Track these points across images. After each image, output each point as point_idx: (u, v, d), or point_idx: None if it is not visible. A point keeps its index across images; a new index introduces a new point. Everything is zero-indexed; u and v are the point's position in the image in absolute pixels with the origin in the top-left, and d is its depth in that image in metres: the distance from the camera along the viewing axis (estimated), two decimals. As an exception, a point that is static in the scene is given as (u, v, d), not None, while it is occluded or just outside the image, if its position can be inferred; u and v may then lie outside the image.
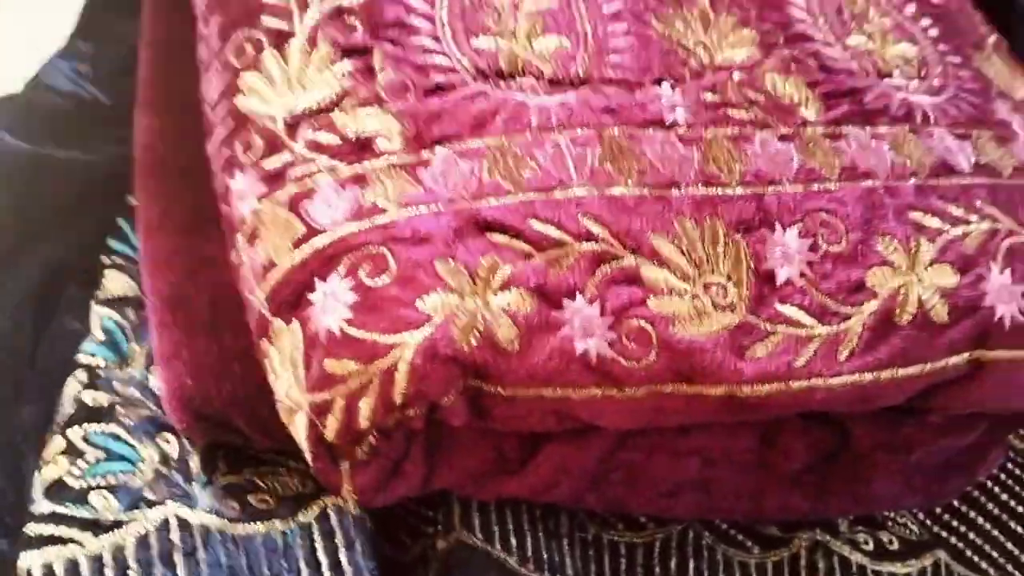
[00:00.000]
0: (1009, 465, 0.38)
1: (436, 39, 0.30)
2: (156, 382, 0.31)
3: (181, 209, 0.33)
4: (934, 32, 0.37)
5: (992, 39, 0.39)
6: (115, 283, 0.34)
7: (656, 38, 0.31)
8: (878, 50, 0.34)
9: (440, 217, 0.26)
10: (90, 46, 0.42)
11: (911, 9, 0.37)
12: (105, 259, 0.35)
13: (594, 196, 0.27)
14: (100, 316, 0.34)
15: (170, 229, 0.33)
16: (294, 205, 0.27)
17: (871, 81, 0.33)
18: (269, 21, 0.30)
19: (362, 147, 0.27)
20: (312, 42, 0.30)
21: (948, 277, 0.28)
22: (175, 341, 0.30)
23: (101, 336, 0.33)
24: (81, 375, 0.32)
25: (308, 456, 0.26)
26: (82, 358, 0.33)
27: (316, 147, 0.28)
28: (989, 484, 0.38)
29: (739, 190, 0.28)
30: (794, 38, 0.33)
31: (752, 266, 0.27)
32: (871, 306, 0.27)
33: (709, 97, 0.30)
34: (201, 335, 0.30)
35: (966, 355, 0.28)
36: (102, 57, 0.42)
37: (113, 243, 0.36)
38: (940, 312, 0.28)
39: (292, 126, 0.28)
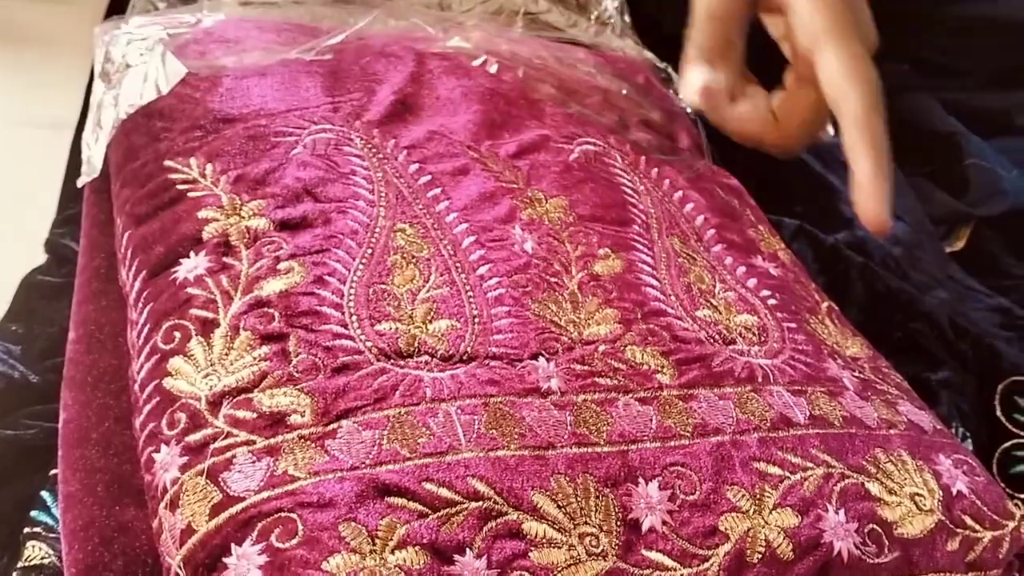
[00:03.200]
0: None
1: (344, 326, 0.36)
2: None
3: (101, 480, 0.37)
4: (773, 302, 0.45)
5: (825, 305, 0.48)
6: (34, 552, 0.37)
7: (533, 318, 0.38)
8: (723, 320, 0.42)
9: (344, 483, 0.30)
10: (21, 327, 0.47)
11: (752, 282, 0.46)
12: (27, 530, 0.38)
13: (480, 458, 0.32)
14: None
15: (89, 501, 0.36)
16: (213, 476, 0.31)
17: (717, 348, 0.40)
18: (197, 312, 0.36)
19: (276, 422, 0.32)
20: (235, 330, 0.35)
21: (790, 519, 0.34)
22: None
23: None
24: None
25: None
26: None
27: (235, 422, 0.32)
28: None
29: (606, 448, 0.34)
30: (650, 314, 0.41)
31: (620, 517, 0.32)
32: (725, 548, 0.33)
33: (579, 368, 0.37)
34: None
35: (813, 588, 0.33)
36: (32, 338, 0.46)
37: (35, 514, 0.39)
38: (785, 550, 0.33)
39: (214, 404, 0.33)
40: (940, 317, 0.48)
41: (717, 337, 0.41)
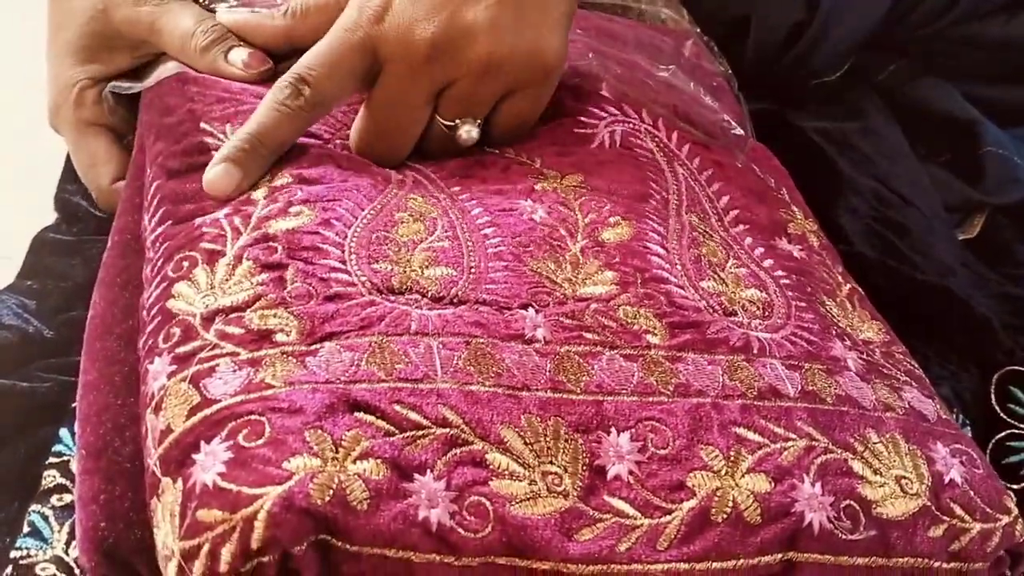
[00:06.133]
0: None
1: (342, 261, 0.38)
2: (72, 555, 0.38)
3: (119, 371, 0.40)
4: (786, 282, 0.46)
5: (847, 288, 0.48)
6: (50, 479, 0.40)
7: (529, 273, 0.40)
8: (728, 293, 0.43)
9: (316, 394, 0.32)
10: (35, 283, 0.51)
11: (768, 263, 0.47)
12: (46, 462, 0.41)
13: (454, 389, 0.34)
14: (31, 512, 0.40)
15: (105, 390, 0.39)
16: (195, 380, 0.33)
17: (716, 318, 0.41)
18: (206, 245, 0.39)
19: (262, 338, 0.35)
20: (238, 259, 0.38)
21: (762, 484, 0.35)
22: (95, 487, 0.36)
23: (27, 529, 0.39)
24: (8, 571, 0.38)
25: None
26: (11, 554, 0.38)
27: (223, 336, 0.35)
28: None
29: (582, 396, 0.35)
30: (650, 279, 0.42)
31: (587, 462, 0.34)
32: (690, 504, 0.33)
33: (567, 321, 0.38)
34: (120, 482, 0.36)
35: (778, 555, 0.34)
36: (47, 294, 0.50)
37: (55, 448, 0.42)
38: (753, 514, 0.34)
39: (207, 319, 0.36)
40: (949, 303, 0.48)
41: (717, 308, 0.42)
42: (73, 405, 0.41)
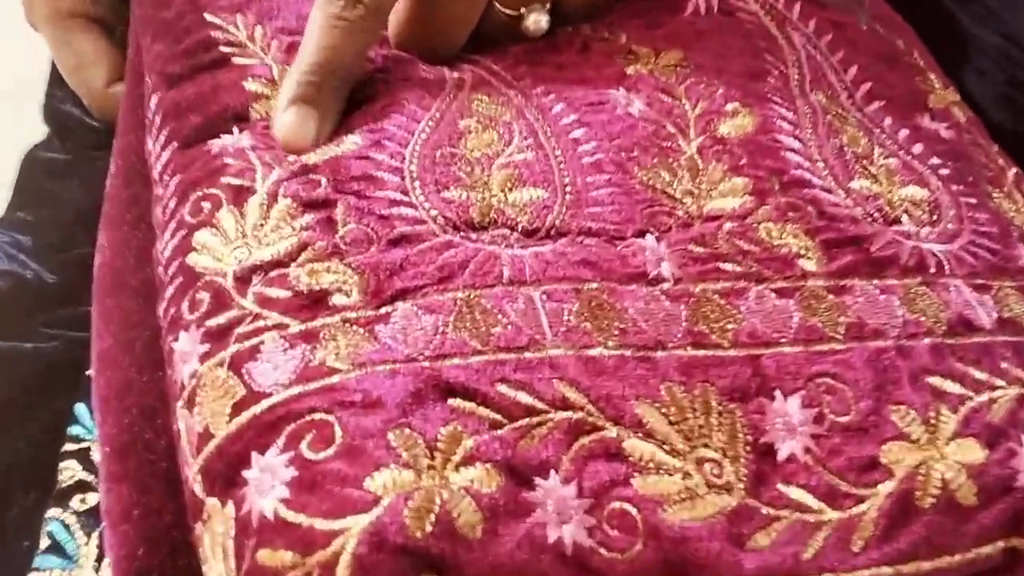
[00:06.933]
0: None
1: (404, 192, 0.30)
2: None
3: (140, 336, 0.32)
4: (945, 172, 0.37)
5: (1012, 173, 0.39)
6: (68, 474, 0.33)
7: (639, 188, 0.32)
8: (884, 194, 0.34)
9: (396, 378, 0.25)
10: (29, 215, 0.42)
11: (918, 148, 0.38)
12: (63, 449, 0.34)
13: (570, 357, 0.26)
14: (49, 519, 0.33)
15: (125, 363, 0.31)
16: (236, 365, 0.26)
17: (878, 228, 0.32)
18: (230, 180, 0.30)
19: (316, 302, 0.27)
20: (273, 197, 0.30)
21: (974, 452, 0.27)
22: (125, 499, 0.28)
23: (47, 542, 0.32)
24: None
25: None
26: None
27: (265, 302, 0.27)
28: None
29: (732, 352, 0.27)
30: (790, 183, 0.33)
31: (750, 440, 0.26)
32: (887, 487, 0.26)
33: (697, 250, 0.30)
34: (157, 491, 0.28)
35: (1000, 544, 0.26)
36: (44, 227, 0.42)
37: (72, 430, 0.35)
38: (967, 493, 0.26)
39: (242, 280, 0.28)
40: None
41: (877, 214, 0.33)
42: (88, 372, 0.34)
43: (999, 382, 0.29)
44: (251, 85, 0.34)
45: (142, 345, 0.31)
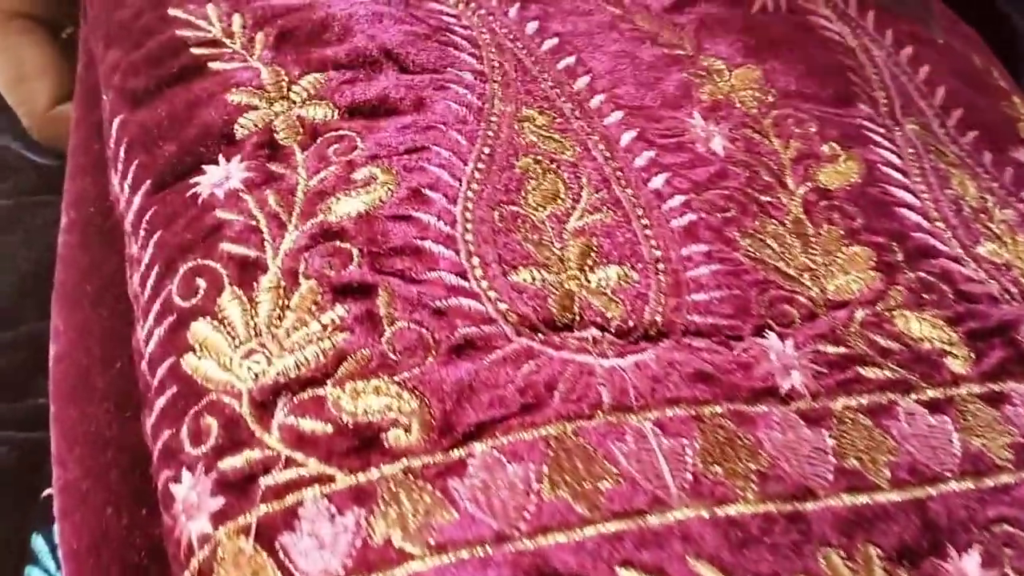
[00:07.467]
0: None
1: (462, 274, 0.24)
2: None
3: (115, 462, 0.25)
4: None
5: None
6: None
7: (747, 263, 0.26)
8: (1015, 259, 0.29)
9: (488, 569, 0.19)
10: None
11: (1009, 175, 0.33)
12: None
13: (704, 522, 0.20)
14: None
15: (98, 502, 0.24)
16: (267, 538, 0.20)
17: (1017, 307, 0.27)
18: (231, 248, 0.24)
19: (367, 442, 0.21)
20: (292, 277, 0.23)
21: None
22: None
23: None
24: None
25: None
26: None
27: (299, 441, 0.21)
28: None
29: (894, 495, 0.22)
30: (916, 252, 0.28)
31: (924, 616, 0.21)
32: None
33: (830, 350, 0.24)
34: None
35: None
36: None
37: (30, 573, 0.28)
38: None
39: (263, 405, 0.21)
40: None
41: (1013, 288, 0.28)
42: (47, 492, 0.27)
43: None
44: (236, 96, 0.27)
45: (119, 474, 0.25)
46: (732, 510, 0.21)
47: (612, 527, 0.20)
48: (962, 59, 0.39)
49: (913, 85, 0.36)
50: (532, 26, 0.33)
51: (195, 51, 0.29)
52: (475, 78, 0.29)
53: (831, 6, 0.38)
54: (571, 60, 0.31)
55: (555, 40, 0.32)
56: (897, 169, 0.30)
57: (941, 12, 0.42)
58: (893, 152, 0.31)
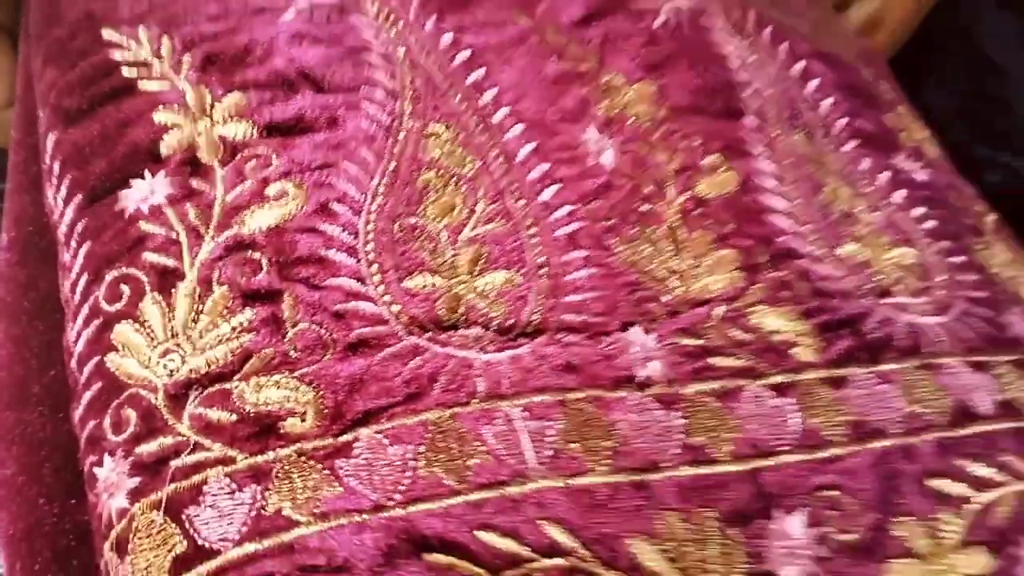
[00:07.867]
0: None
1: (360, 279, 0.27)
2: None
3: (47, 460, 0.28)
4: (931, 224, 0.35)
5: (990, 221, 0.38)
6: None
7: (621, 268, 0.29)
8: (874, 259, 0.32)
9: (364, 533, 0.22)
10: None
11: (900, 196, 0.36)
12: None
13: (559, 491, 0.23)
14: None
15: (32, 493, 0.28)
16: (175, 510, 0.23)
17: (870, 303, 0.30)
18: (152, 258, 0.27)
19: (265, 429, 0.24)
20: (206, 284, 0.26)
21: (981, 562, 0.25)
22: None
23: None
24: None
25: None
26: None
27: (206, 428, 0.24)
28: None
29: (733, 467, 0.25)
30: (780, 255, 0.31)
31: (752, 568, 0.24)
32: (898, 614, 0.24)
33: (688, 343, 0.27)
34: None
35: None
36: None
37: None
38: (978, 611, 0.25)
39: (175, 398, 0.24)
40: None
41: (868, 286, 0.31)
42: None
43: (1001, 478, 0.27)
44: (161, 116, 0.30)
45: (51, 469, 0.28)
46: (585, 480, 0.24)
47: (476, 497, 0.23)
48: (854, 72, 0.42)
49: (802, 98, 0.39)
50: (447, 38, 0.35)
51: (126, 72, 0.32)
52: (387, 96, 0.32)
53: (732, 22, 0.41)
54: (480, 73, 0.34)
55: (468, 53, 0.35)
56: (772, 176, 0.34)
57: (836, 24, 0.45)
58: (772, 162, 0.34)
